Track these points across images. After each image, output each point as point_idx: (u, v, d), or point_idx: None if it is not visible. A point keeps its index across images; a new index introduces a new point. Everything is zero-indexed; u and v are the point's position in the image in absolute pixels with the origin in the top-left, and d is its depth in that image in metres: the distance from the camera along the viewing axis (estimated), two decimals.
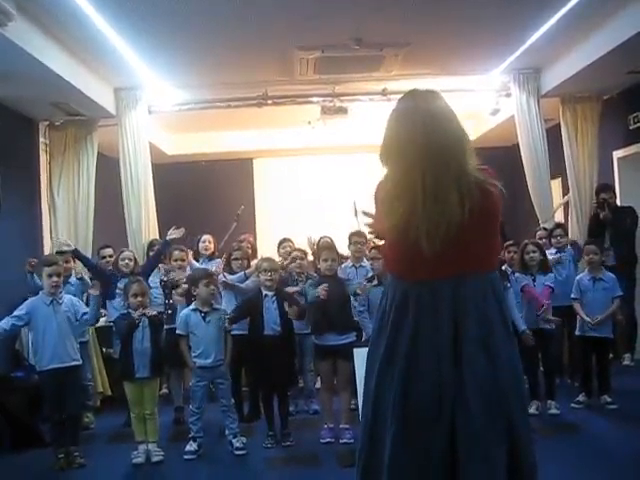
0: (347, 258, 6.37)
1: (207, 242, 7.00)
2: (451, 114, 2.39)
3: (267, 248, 7.74)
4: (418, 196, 2.27)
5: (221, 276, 6.04)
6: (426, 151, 2.28)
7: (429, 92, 2.44)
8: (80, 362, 5.16)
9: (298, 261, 6.23)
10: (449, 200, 2.25)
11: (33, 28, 5.37)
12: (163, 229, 7.75)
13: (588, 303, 5.87)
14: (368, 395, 2.43)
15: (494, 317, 2.34)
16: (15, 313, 4.98)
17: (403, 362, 2.28)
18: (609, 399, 5.76)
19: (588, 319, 5.75)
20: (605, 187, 7.43)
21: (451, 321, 2.28)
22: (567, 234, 6.99)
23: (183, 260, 6.39)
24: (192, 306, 5.37)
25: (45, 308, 5.02)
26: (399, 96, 2.55)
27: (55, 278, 5.06)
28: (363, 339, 5.47)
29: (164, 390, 6.43)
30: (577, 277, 6.04)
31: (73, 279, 6.05)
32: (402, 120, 2.38)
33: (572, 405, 5.85)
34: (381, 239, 2.65)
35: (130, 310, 5.20)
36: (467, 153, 2.33)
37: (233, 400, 5.47)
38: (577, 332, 5.95)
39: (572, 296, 5.92)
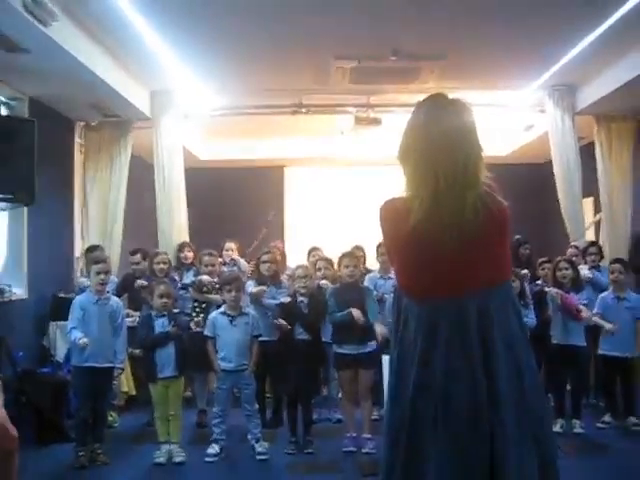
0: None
1: (230, 250, 7.02)
2: (470, 127, 2.39)
3: (295, 256, 7.75)
4: (437, 197, 2.29)
5: (248, 286, 6.03)
6: (443, 161, 2.30)
7: (451, 102, 2.44)
8: (115, 364, 5.20)
9: (323, 270, 6.25)
10: (464, 205, 2.27)
11: (75, 29, 5.45)
12: (193, 233, 7.85)
13: (612, 322, 5.79)
14: (398, 412, 2.41)
15: (515, 328, 2.36)
16: (74, 323, 5.02)
17: (440, 381, 2.28)
18: (635, 420, 5.68)
19: (609, 326, 5.67)
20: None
21: (479, 337, 2.28)
22: (602, 253, 6.92)
23: (213, 265, 6.41)
24: (221, 309, 5.41)
25: (90, 306, 5.12)
26: None
27: (102, 276, 5.16)
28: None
29: (188, 393, 6.46)
30: (601, 295, 5.98)
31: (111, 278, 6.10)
32: (421, 130, 2.39)
33: (598, 425, 5.78)
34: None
35: (152, 312, 5.24)
36: (480, 167, 2.35)
37: (257, 405, 5.49)
38: (600, 351, 5.88)
39: (594, 311, 5.85)
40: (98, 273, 5.16)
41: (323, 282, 6.05)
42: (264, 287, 6.03)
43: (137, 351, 5.70)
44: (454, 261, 2.29)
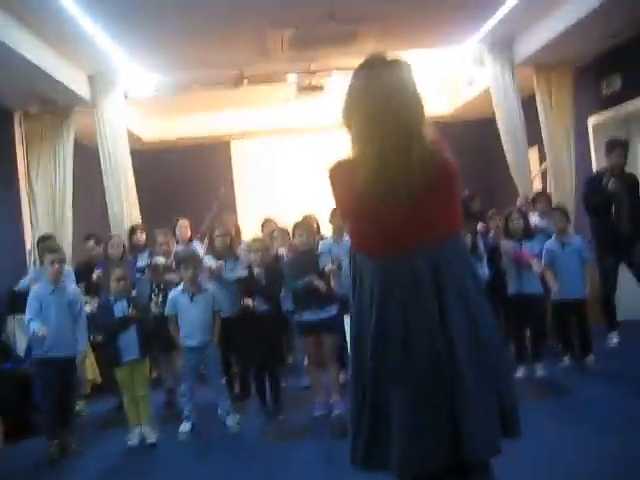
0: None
1: (183, 227, 6.96)
2: (410, 84, 2.42)
3: (249, 228, 7.75)
4: (383, 155, 2.32)
5: (206, 261, 6.02)
6: (387, 122, 2.33)
7: (390, 61, 2.45)
8: (75, 354, 5.13)
9: (280, 240, 6.28)
10: (411, 162, 2.31)
11: (4, 14, 5.31)
12: (144, 215, 7.77)
13: (559, 268, 5.94)
14: (360, 367, 2.46)
15: (468, 280, 2.43)
16: (32, 314, 4.94)
17: (398, 334, 2.34)
18: (593, 358, 5.87)
19: (555, 288, 5.81)
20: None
21: (433, 290, 2.34)
22: (550, 200, 7.06)
23: (168, 244, 6.38)
24: (180, 287, 5.40)
25: (47, 297, 5.04)
26: None
27: (57, 265, 5.08)
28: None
29: (154, 375, 6.44)
30: (545, 244, 6.09)
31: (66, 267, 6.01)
32: (363, 93, 2.42)
33: (558, 367, 5.95)
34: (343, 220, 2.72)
35: (110, 297, 5.20)
36: (423, 123, 2.39)
37: (224, 379, 5.52)
38: (552, 297, 6.02)
39: (542, 263, 5.97)
40: (52, 262, 5.08)
41: (281, 250, 6.08)
42: (222, 262, 6.02)
43: (99, 337, 5.67)
44: (404, 217, 2.33)
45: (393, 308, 2.36)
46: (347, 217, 2.54)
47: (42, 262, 5.36)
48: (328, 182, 2.50)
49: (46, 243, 6.07)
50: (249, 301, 5.49)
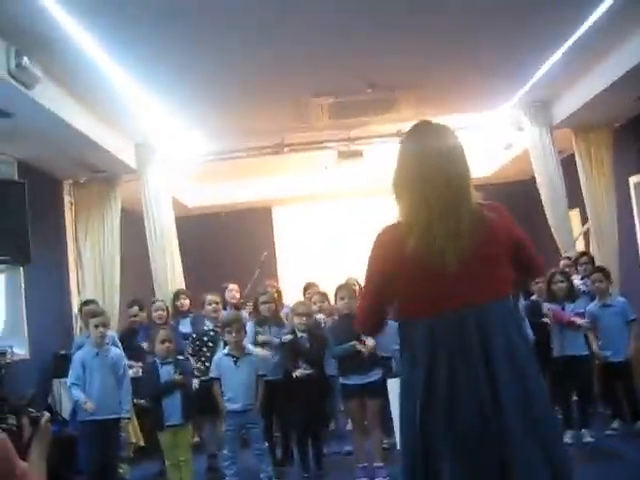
0: None
1: (234, 291, 7.07)
2: (457, 150, 2.49)
3: (291, 293, 7.80)
4: (432, 220, 2.37)
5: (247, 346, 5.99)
6: (436, 187, 2.39)
7: (437, 128, 2.53)
8: (121, 415, 5.20)
9: (318, 304, 6.30)
10: (459, 227, 2.36)
11: (57, 89, 5.58)
12: (188, 280, 7.90)
13: (602, 330, 5.87)
14: (411, 433, 2.45)
15: (516, 338, 2.40)
16: (74, 379, 5.07)
17: (444, 393, 2.32)
18: None
19: (595, 348, 5.76)
20: None
21: (480, 348, 2.33)
22: (593, 261, 7.00)
23: (217, 303, 6.37)
24: (225, 350, 5.44)
25: (90, 360, 5.13)
26: None
27: (101, 329, 5.19)
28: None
29: (196, 439, 6.43)
30: (587, 307, 6.02)
31: (109, 332, 6.11)
32: (413, 159, 2.48)
33: (607, 432, 5.80)
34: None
35: (157, 359, 5.27)
36: (471, 186, 2.45)
37: (266, 444, 5.49)
38: (596, 360, 5.92)
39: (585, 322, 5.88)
40: (96, 326, 5.19)
41: (319, 316, 6.09)
42: (269, 353, 5.89)
43: (142, 401, 5.71)
44: (452, 279, 2.34)
45: (439, 371, 2.34)
46: (395, 282, 2.49)
47: (86, 326, 5.46)
48: (374, 246, 2.51)
49: (89, 307, 6.19)
50: (298, 372, 5.47)
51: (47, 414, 4.86)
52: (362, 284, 6.63)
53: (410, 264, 2.39)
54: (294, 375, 5.50)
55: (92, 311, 5.59)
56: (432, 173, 2.41)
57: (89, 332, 5.32)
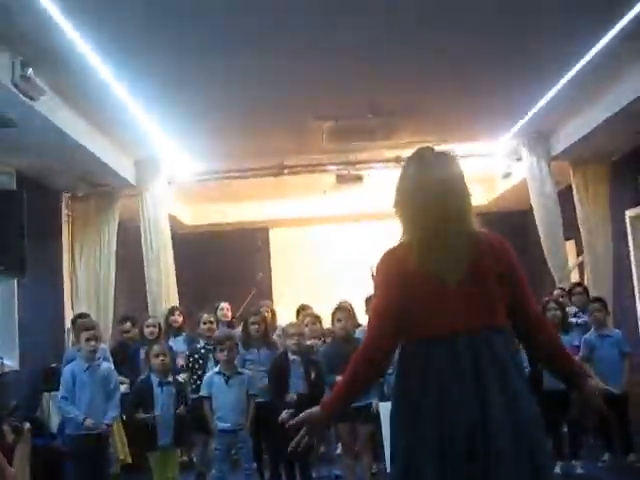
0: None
1: (225, 309, 7.10)
2: (458, 176, 2.53)
3: (285, 315, 7.78)
4: (432, 242, 2.40)
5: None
6: (439, 209, 2.43)
7: (439, 153, 2.58)
8: (104, 421, 5.15)
9: (310, 326, 6.28)
10: (460, 245, 2.40)
11: (61, 102, 5.60)
12: (182, 297, 7.89)
13: (598, 361, 5.86)
14: (400, 457, 2.45)
15: (508, 363, 2.39)
16: (64, 392, 5.07)
17: (432, 415, 2.32)
18: (635, 457, 5.68)
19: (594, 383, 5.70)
20: None
21: (473, 370, 2.33)
22: (587, 292, 7.00)
23: (212, 322, 6.45)
24: (216, 369, 5.41)
25: (81, 374, 5.11)
26: None
27: (93, 342, 5.16)
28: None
29: (184, 458, 6.39)
30: (584, 336, 6.04)
31: (101, 346, 6.07)
32: (416, 182, 2.51)
33: (598, 465, 5.77)
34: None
35: (152, 374, 5.25)
36: (471, 211, 2.51)
37: (255, 464, 5.45)
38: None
39: (580, 355, 5.89)
40: (88, 340, 5.15)
41: (312, 341, 6.06)
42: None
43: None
44: (451, 302, 2.36)
45: (431, 391, 2.34)
46: (394, 302, 2.47)
47: (77, 339, 5.43)
48: (380, 267, 2.52)
49: (82, 321, 6.17)
50: (293, 396, 5.38)
51: (28, 424, 4.88)
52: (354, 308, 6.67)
53: (414, 283, 2.40)
54: (287, 398, 5.43)
55: (84, 324, 5.56)
56: (434, 195, 2.44)
57: (80, 345, 5.29)
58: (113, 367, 5.53)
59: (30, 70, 4.71)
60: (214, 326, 6.46)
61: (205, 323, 6.39)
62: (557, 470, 5.52)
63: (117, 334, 7.37)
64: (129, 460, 6.35)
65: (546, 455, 2.47)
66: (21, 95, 4.79)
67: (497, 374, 2.33)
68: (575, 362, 2.69)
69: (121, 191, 7.86)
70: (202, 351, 6.19)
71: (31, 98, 4.91)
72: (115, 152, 7.13)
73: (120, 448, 6.23)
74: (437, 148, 2.60)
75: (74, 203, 7.86)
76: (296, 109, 6.57)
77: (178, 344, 6.76)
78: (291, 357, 5.52)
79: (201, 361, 6.13)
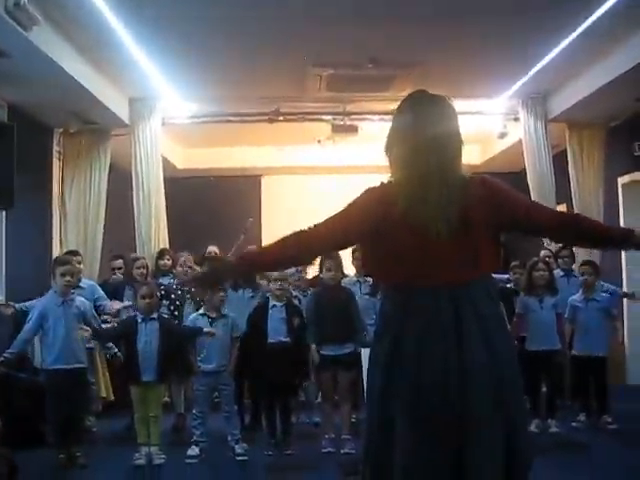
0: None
1: (213, 253, 7.08)
2: (454, 122, 2.48)
3: None
4: (423, 185, 2.35)
5: None
6: (431, 153, 2.38)
7: (434, 97, 2.52)
8: (85, 365, 5.21)
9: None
10: (450, 193, 2.34)
11: (56, 34, 5.49)
12: (173, 240, 7.87)
13: (581, 324, 5.93)
14: (373, 397, 2.46)
15: (491, 320, 2.38)
16: (27, 327, 5.02)
17: (411, 366, 2.32)
18: (609, 419, 5.79)
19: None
20: None
21: (453, 327, 2.32)
22: (574, 256, 7.01)
23: (190, 265, 6.44)
24: (201, 310, 5.43)
25: (55, 308, 5.05)
26: None
27: (68, 277, 5.08)
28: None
29: (165, 398, 6.44)
30: (570, 298, 6.07)
31: (84, 281, 6.06)
32: (409, 125, 2.45)
33: (572, 424, 5.87)
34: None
35: (137, 313, 5.26)
36: (460, 158, 2.47)
37: (236, 407, 5.51)
38: (572, 352, 5.97)
39: (566, 316, 5.96)
40: (63, 275, 5.06)
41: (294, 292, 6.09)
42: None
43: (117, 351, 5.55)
44: (437, 250, 2.33)
45: (408, 341, 2.33)
46: (372, 240, 2.46)
47: (54, 275, 5.26)
48: (361, 196, 2.47)
49: (58, 256, 6.08)
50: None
51: None
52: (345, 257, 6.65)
53: (399, 226, 2.36)
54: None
55: (60, 259, 5.48)
56: (426, 139, 2.39)
57: (55, 280, 5.16)
58: (87, 303, 5.36)
59: None
60: (190, 268, 6.41)
61: (182, 266, 6.43)
62: (532, 427, 5.62)
63: (105, 272, 7.36)
64: (111, 398, 6.41)
65: (522, 410, 2.50)
66: (14, 23, 4.68)
67: (478, 328, 2.32)
68: (613, 226, 2.94)
69: (114, 129, 7.76)
70: (179, 292, 6.24)
71: (24, 27, 4.80)
72: (109, 89, 7.01)
73: (103, 386, 6.27)
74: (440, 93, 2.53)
75: (66, 139, 7.76)
76: (295, 54, 6.47)
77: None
78: (272, 302, 5.48)
79: (178, 302, 6.20)
